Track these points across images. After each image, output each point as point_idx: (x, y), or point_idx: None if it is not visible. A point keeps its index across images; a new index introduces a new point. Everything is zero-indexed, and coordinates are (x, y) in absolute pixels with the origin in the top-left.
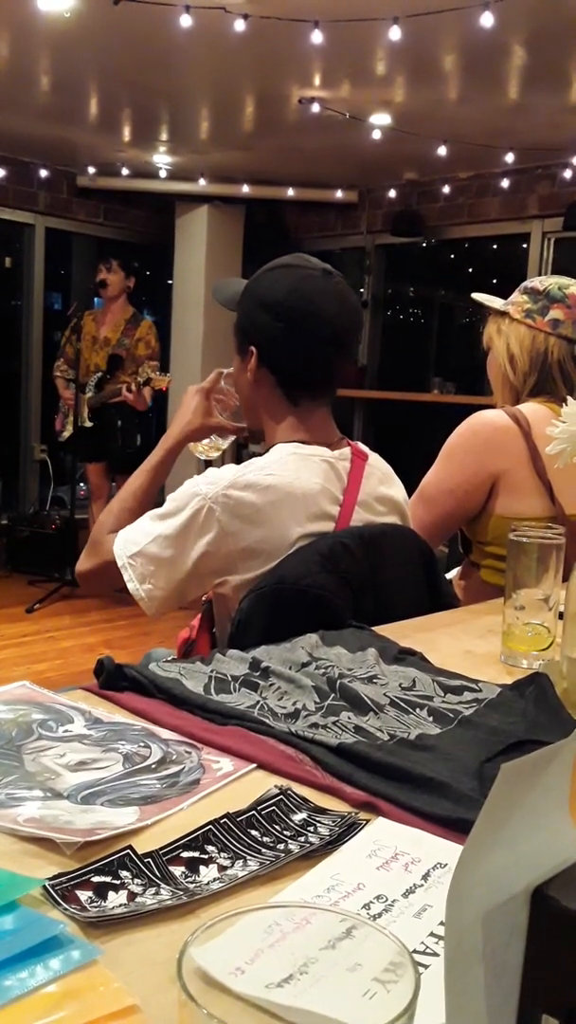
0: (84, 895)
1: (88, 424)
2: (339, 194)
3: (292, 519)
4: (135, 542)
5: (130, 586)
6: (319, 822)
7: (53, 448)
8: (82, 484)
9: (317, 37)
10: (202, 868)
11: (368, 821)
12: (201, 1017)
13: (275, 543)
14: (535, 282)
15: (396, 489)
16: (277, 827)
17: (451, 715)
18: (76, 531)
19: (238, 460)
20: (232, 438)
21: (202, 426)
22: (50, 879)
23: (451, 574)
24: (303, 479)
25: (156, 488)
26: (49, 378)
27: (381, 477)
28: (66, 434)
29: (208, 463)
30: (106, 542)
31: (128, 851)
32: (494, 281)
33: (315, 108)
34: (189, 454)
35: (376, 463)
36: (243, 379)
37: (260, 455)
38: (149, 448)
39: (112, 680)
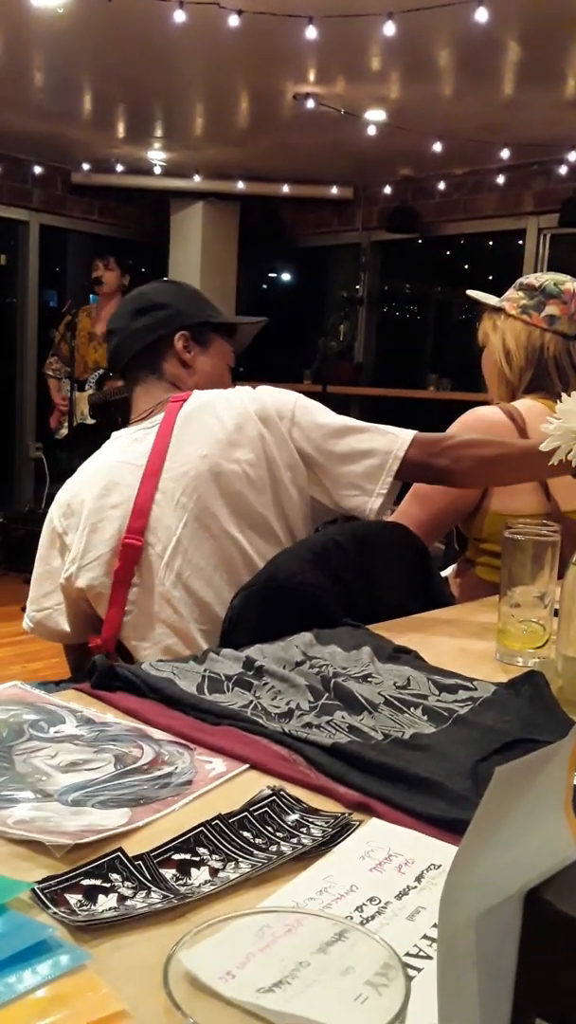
0: (73, 898)
1: (90, 421)
2: (334, 190)
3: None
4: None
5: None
6: (312, 823)
7: (48, 446)
8: None
9: (311, 32)
10: (193, 870)
11: (361, 822)
12: None
13: (92, 530)
14: (531, 278)
15: (226, 415)
16: (269, 828)
17: (446, 714)
18: None
19: None
20: None
21: None
22: (39, 882)
23: (447, 571)
24: (94, 463)
25: None
26: (44, 376)
27: (198, 410)
28: (63, 431)
29: None
30: None
31: (118, 853)
32: (490, 277)
33: (310, 104)
34: None
35: (197, 399)
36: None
37: None
38: None
39: (104, 679)
